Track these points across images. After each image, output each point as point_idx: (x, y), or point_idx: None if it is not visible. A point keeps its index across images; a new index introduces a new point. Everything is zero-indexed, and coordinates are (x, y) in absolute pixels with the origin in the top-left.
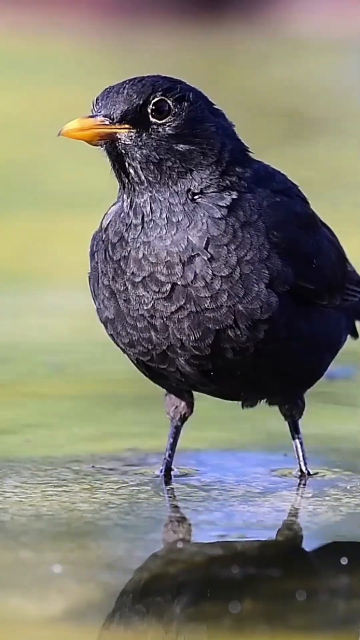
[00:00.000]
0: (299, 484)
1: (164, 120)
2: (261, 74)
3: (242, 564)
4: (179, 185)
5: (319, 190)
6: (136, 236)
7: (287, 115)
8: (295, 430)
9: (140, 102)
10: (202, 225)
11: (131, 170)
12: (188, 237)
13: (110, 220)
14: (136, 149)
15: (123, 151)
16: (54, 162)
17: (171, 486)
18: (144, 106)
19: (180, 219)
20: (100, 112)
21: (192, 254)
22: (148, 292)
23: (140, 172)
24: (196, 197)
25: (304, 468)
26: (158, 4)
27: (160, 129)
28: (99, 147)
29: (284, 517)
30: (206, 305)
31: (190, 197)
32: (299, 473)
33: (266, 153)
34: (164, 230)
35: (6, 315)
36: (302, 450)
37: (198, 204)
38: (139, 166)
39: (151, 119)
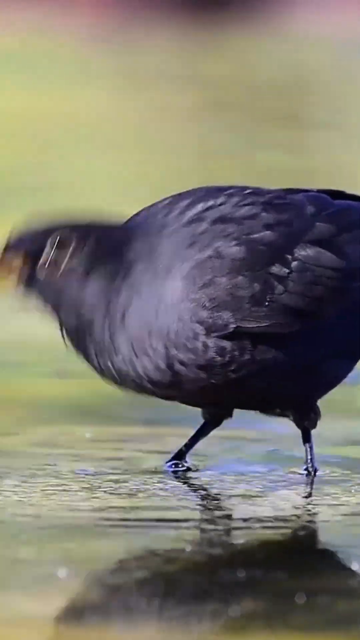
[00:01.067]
0: (299, 483)
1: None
2: (261, 73)
3: (242, 563)
4: None
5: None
6: None
7: (286, 113)
8: (306, 439)
9: None
10: None
11: None
12: None
13: None
14: None
15: None
16: (55, 162)
17: (171, 485)
18: None
19: None
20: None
21: None
22: None
23: None
24: None
25: (310, 469)
26: (159, 4)
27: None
28: None
29: (283, 516)
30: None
31: None
32: (305, 472)
33: (266, 150)
34: None
35: (8, 315)
36: (311, 454)
37: None
38: None
39: None
